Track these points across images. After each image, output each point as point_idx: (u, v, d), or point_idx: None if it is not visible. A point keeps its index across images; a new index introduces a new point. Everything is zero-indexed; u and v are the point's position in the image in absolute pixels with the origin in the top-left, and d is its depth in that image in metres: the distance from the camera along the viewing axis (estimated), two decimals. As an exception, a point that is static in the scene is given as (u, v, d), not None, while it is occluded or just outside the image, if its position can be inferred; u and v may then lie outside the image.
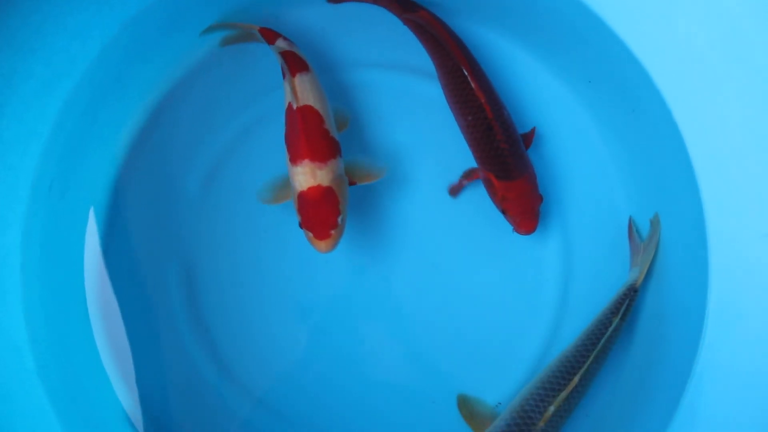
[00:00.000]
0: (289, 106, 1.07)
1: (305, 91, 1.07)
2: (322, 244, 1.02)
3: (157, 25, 1.11)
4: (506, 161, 1.08)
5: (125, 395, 1.10)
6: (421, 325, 1.16)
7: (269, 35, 1.13)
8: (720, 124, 0.99)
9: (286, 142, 1.06)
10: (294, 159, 1.04)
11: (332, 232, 1.02)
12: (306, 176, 1.03)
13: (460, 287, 1.17)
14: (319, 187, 1.02)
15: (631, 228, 1.15)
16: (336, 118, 1.10)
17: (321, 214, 1.02)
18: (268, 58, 1.16)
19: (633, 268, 1.12)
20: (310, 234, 1.02)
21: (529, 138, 1.16)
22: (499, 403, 1.14)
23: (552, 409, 1.03)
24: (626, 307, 1.08)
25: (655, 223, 1.12)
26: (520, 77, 1.19)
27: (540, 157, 1.19)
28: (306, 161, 1.03)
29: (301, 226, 1.03)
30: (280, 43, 1.12)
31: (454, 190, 1.17)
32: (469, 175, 1.15)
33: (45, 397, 0.98)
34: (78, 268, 1.12)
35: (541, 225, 1.18)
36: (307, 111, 1.06)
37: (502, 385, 1.15)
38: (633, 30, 1.03)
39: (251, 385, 1.15)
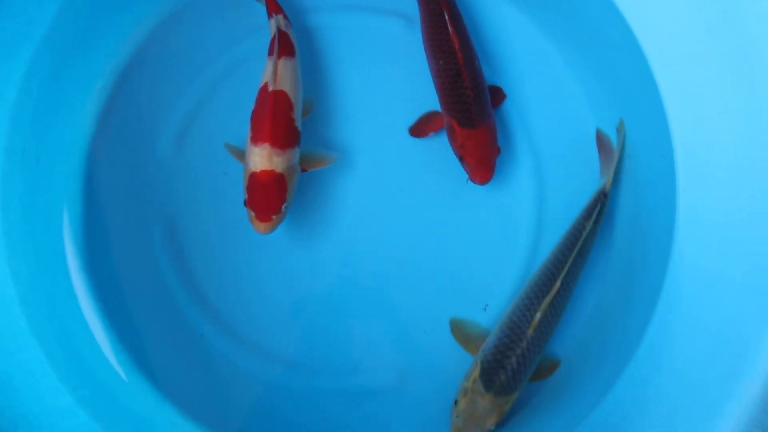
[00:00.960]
0: (265, 86, 1.09)
1: (284, 76, 1.09)
2: (262, 226, 1.06)
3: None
4: (469, 109, 1.11)
5: (110, 344, 1.11)
6: (406, 262, 1.18)
7: (273, 5, 1.16)
8: (672, 23, 1.02)
9: (251, 119, 1.09)
10: (255, 138, 1.07)
11: (274, 217, 1.06)
12: (262, 159, 1.06)
13: (438, 220, 1.19)
14: (272, 172, 1.06)
15: (599, 137, 1.18)
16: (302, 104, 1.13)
17: (268, 199, 1.06)
18: (237, 9, 1.20)
19: (603, 175, 1.14)
20: (252, 214, 1.06)
21: (498, 96, 1.19)
22: (487, 305, 1.16)
23: (539, 315, 1.05)
24: (598, 211, 1.11)
25: (620, 128, 1.15)
26: (479, 5, 1.21)
27: (503, 82, 1.22)
28: (266, 144, 1.06)
29: (245, 203, 1.06)
30: (280, 20, 1.15)
31: (416, 131, 1.19)
32: (431, 120, 1.17)
33: (40, 352, 0.99)
34: (58, 231, 1.13)
35: (512, 148, 1.21)
36: (280, 96, 1.08)
37: (489, 307, 1.17)
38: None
39: (237, 328, 1.16)
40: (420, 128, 1.18)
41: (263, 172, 1.06)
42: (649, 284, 1.04)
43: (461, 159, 1.13)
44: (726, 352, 0.81)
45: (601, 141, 1.18)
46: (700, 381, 0.83)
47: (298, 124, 1.11)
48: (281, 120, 1.08)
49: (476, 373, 1.06)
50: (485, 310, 1.16)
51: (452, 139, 1.13)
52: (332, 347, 1.16)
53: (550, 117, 1.22)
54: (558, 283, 1.06)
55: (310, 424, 1.13)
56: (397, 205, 1.19)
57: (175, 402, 1.10)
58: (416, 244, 1.19)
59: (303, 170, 1.11)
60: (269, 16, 1.15)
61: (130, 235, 1.16)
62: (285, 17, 1.16)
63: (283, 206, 1.06)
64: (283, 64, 1.10)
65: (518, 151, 1.21)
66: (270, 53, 1.12)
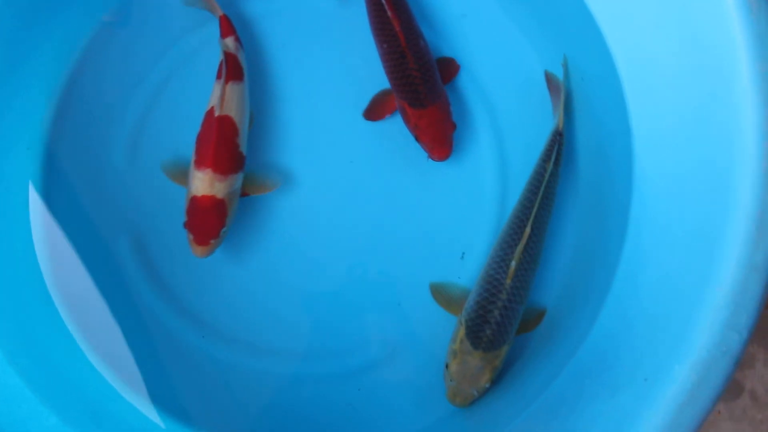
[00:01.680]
0: (212, 110, 1.10)
1: (231, 101, 1.10)
2: (199, 250, 1.07)
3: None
4: (418, 89, 1.11)
5: (89, 357, 1.11)
6: (380, 237, 1.18)
7: (225, 27, 1.16)
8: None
9: (196, 142, 1.10)
10: (198, 163, 1.08)
11: (212, 241, 1.07)
12: (204, 184, 1.07)
13: (405, 190, 1.19)
14: (213, 197, 1.07)
15: (548, 79, 1.17)
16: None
17: (207, 224, 1.06)
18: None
19: (555, 115, 1.14)
20: (191, 236, 1.06)
21: (451, 68, 1.19)
22: (464, 253, 1.16)
23: (514, 264, 1.05)
24: (556, 151, 1.10)
25: (564, 65, 1.15)
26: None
27: (448, 44, 1.22)
28: (208, 170, 1.07)
29: (185, 225, 1.07)
30: (230, 42, 1.15)
31: (371, 114, 1.19)
32: (384, 102, 1.17)
33: (17, 378, 0.99)
34: (23, 246, 1.13)
35: (466, 107, 1.21)
36: (225, 122, 1.09)
37: (465, 267, 1.17)
38: None
39: (219, 328, 1.16)
40: (374, 111, 1.19)
41: (204, 197, 1.06)
42: (618, 213, 1.04)
43: (417, 139, 1.13)
44: (696, 259, 0.81)
45: (551, 82, 1.18)
46: (676, 291, 0.83)
47: (243, 148, 1.11)
48: (225, 146, 1.08)
49: (462, 333, 1.06)
50: (462, 258, 1.15)
51: (406, 120, 1.14)
52: (318, 332, 1.16)
53: (498, 70, 1.22)
54: (528, 229, 1.06)
55: (307, 410, 1.13)
56: (362, 184, 1.20)
57: (163, 406, 1.10)
58: (387, 219, 1.19)
59: (244, 194, 1.12)
60: (221, 35, 1.15)
61: (97, 248, 1.16)
62: (236, 39, 1.15)
63: (221, 231, 1.07)
64: (231, 88, 1.11)
65: (472, 108, 1.21)
66: (218, 76, 1.13)
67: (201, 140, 1.10)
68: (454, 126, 1.14)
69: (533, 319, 1.12)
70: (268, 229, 1.18)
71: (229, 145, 1.09)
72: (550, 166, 1.09)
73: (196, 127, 1.13)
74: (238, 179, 1.10)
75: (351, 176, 1.19)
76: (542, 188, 1.08)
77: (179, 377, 1.14)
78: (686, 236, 0.83)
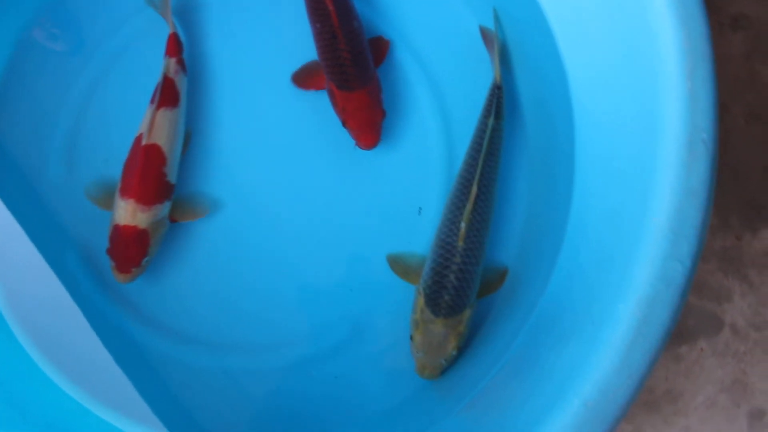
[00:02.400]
0: (140, 137, 1.07)
1: (161, 129, 1.07)
2: (120, 277, 1.05)
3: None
4: (346, 71, 1.08)
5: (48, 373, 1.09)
6: (328, 217, 1.15)
7: (171, 46, 1.12)
8: None
9: (123, 168, 1.08)
10: (122, 191, 1.06)
11: (133, 269, 1.05)
12: (126, 213, 1.05)
13: (350, 167, 1.17)
14: (135, 228, 1.04)
15: (483, 34, 1.15)
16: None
17: (128, 253, 1.04)
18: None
19: (493, 69, 1.11)
20: (113, 264, 1.05)
21: (382, 47, 1.16)
22: (421, 208, 1.14)
23: (464, 225, 1.02)
24: (495, 105, 1.08)
25: (495, 17, 1.12)
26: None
27: (378, 9, 1.20)
28: (132, 200, 1.04)
29: (107, 252, 1.05)
30: (171, 64, 1.11)
31: (299, 80, 1.16)
32: (313, 74, 1.14)
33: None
34: None
35: (404, 76, 1.18)
36: (152, 151, 1.06)
37: (416, 237, 1.14)
38: None
39: (180, 331, 1.13)
40: (303, 78, 1.15)
41: (126, 226, 1.05)
42: (564, 160, 1.01)
43: (344, 123, 1.10)
44: (634, 192, 0.78)
45: (486, 37, 1.16)
46: (618, 229, 0.80)
47: (172, 177, 1.09)
48: (151, 176, 1.06)
49: (421, 302, 1.04)
50: (419, 213, 1.13)
51: (334, 104, 1.11)
52: (278, 323, 1.13)
53: (433, 31, 1.19)
54: (475, 188, 1.03)
55: (280, 403, 1.11)
56: (304, 165, 1.17)
57: (131, 416, 1.07)
58: (336, 197, 1.16)
59: (172, 221, 1.10)
60: (166, 53, 1.12)
61: (46, 263, 1.12)
62: (179, 62, 1.12)
63: (144, 260, 1.05)
64: (162, 115, 1.08)
65: (411, 75, 1.19)
66: (151, 100, 1.09)
67: (127, 168, 1.07)
68: (383, 113, 1.11)
69: (496, 279, 1.10)
70: (217, 224, 1.15)
71: (155, 176, 1.06)
72: (490, 122, 1.06)
73: (134, 131, 1.10)
74: (164, 208, 1.08)
75: (292, 156, 1.16)
76: (485, 145, 1.05)
77: (145, 385, 1.11)
78: (625, 171, 0.81)
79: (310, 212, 1.15)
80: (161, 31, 1.16)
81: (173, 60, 1.12)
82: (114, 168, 1.12)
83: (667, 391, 1.20)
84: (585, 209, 0.89)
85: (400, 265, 1.10)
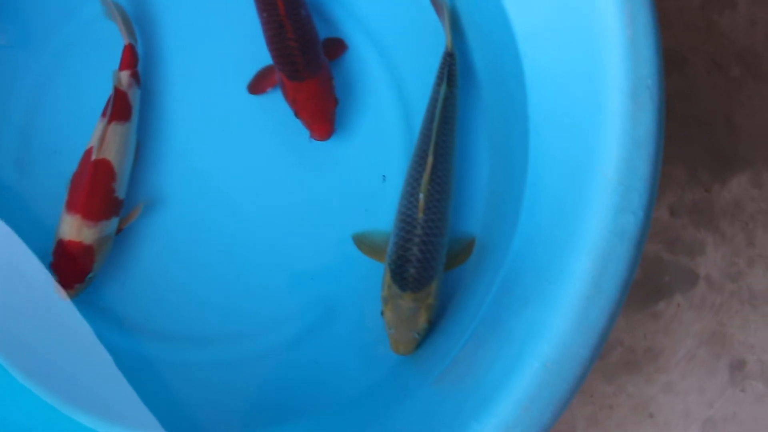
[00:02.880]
0: (90, 150, 1.04)
1: (111, 144, 1.04)
2: (63, 292, 1.03)
3: None
4: (295, 60, 1.06)
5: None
6: (289, 201, 1.14)
7: (126, 58, 1.08)
8: None
9: (71, 181, 1.05)
10: (69, 205, 1.03)
11: (77, 285, 1.03)
12: (72, 229, 1.02)
13: (310, 149, 1.14)
14: (80, 243, 1.02)
15: (433, 2, 1.12)
16: None
17: (71, 270, 1.02)
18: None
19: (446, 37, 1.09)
20: (56, 278, 1.03)
21: (338, 48, 1.14)
22: (384, 176, 1.12)
23: (422, 196, 1.01)
24: (447, 72, 1.06)
25: (442, -16, 1.09)
26: None
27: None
28: (78, 216, 1.02)
29: (50, 266, 1.03)
30: (124, 77, 1.07)
31: (254, 87, 1.13)
32: (267, 75, 1.12)
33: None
34: None
35: (356, 52, 1.15)
36: (101, 166, 1.03)
37: (381, 214, 1.13)
38: None
39: (156, 329, 1.11)
40: (257, 84, 1.13)
41: (71, 242, 1.02)
42: (519, 122, 0.98)
43: (296, 114, 1.08)
44: (582, 144, 0.77)
45: (436, 3, 1.12)
46: (570, 184, 0.79)
47: (120, 193, 1.06)
48: (98, 192, 1.03)
49: (388, 278, 1.02)
50: (383, 180, 1.12)
51: (285, 95, 1.09)
52: (248, 312, 1.11)
53: (381, 2, 1.17)
54: (431, 158, 1.02)
55: (256, 393, 1.10)
56: (259, 151, 1.15)
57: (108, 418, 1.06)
58: (294, 183, 1.14)
59: (119, 230, 1.08)
60: (120, 65, 1.08)
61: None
62: (133, 75, 1.08)
63: (88, 276, 1.03)
64: (113, 129, 1.04)
65: (363, 50, 1.16)
66: (103, 113, 1.06)
67: (75, 182, 1.05)
68: (335, 101, 1.08)
69: (463, 249, 1.08)
70: (178, 218, 1.13)
71: (102, 192, 1.04)
72: (443, 90, 1.05)
73: (88, 127, 1.08)
74: (111, 224, 1.05)
75: (249, 145, 1.15)
76: (438, 113, 1.03)
77: (117, 385, 1.10)
78: (575, 126, 0.80)
79: (272, 199, 1.14)
80: (110, 22, 1.13)
81: (127, 72, 1.08)
82: (68, 167, 1.09)
83: (647, 349, 1.19)
84: (541, 167, 0.88)
85: (366, 244, 1.09)
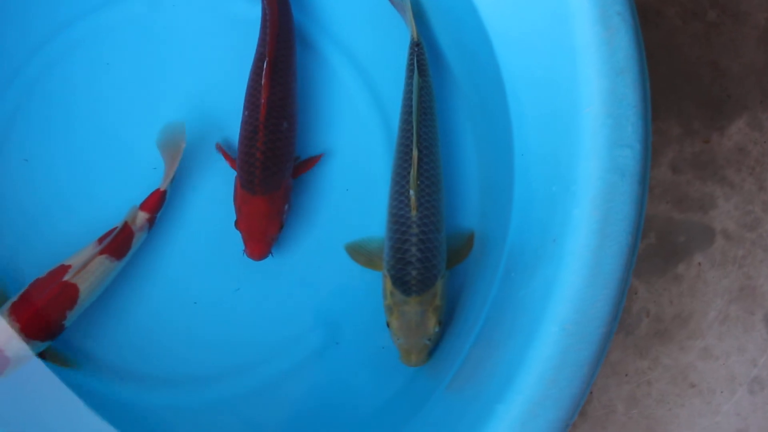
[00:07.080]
0: (66, 268, 0.97)
1: (90, 275, 0.97)
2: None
3: None
4: (254, 172, 1.00)
5: None
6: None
7: (153, 202, 1.02)
8: None
9: (32, 283, 0.98)
10: (13, 309, 0.96)
11: None
12: (3, 335, 0.95)
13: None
14: (0, 352, 0.94)
15: None
16: None
17: None
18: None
19: (408, 28, 1.05)
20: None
21: (307, 166, 1.08)
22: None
23: (413, 193, 0.96)
24: (417, 62, 1.02)
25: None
26: None
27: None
28: (18, 325, 0.95)
29: None
30: (140, 218, 1.01)
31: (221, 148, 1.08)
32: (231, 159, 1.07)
33: None
34: None
35: (321, 56, 1.12)
36: (68, 290, 0.96)
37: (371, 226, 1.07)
38: None
39: (138, 369, 1.05)
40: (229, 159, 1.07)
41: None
42: (499, 104, 0.94)
43: (236, 224, 1.01)
44: (564, 85, 0.72)
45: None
46: (560, 127, 0.74)
47: (69, 321, 0.98)
48: (49, 314, 0.96)
49: (389, 284, 0.96)
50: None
51: (234, 197, 1.03)
52: (247, 344, 1.06)
53: (342, 4, 1.14)
54: (415, 151, 0.97)
55: (270, 422, 1.03)
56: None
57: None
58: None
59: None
60: (141, 206, 1.02)
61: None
62: (150, 219, 1.02)
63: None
64: (100, 262, 0.98)
65: (328, 53, 1.13)
66: (100, 239, 1.00)
67: (33, 289, 0.97)
68: (280, 226, 1.01)
69: (464, 244, 1.03)
70: (167, 257, 1.07)
71: (53, 315, 0.97)
72: (415, 80, 1.00)
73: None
74: (41, 346, 0.98)
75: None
76: (415, 104, 0.99)
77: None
78: (549, 68, 0.75)
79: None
80: (88, 49, 1.11)
81: (146, 216, 1.02)
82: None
83: (675, 316, 1.12)
84: (526, 131, 0.83)
85: (360, 253, 1.03)
